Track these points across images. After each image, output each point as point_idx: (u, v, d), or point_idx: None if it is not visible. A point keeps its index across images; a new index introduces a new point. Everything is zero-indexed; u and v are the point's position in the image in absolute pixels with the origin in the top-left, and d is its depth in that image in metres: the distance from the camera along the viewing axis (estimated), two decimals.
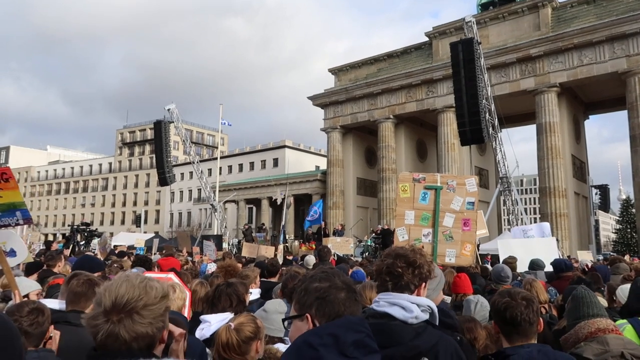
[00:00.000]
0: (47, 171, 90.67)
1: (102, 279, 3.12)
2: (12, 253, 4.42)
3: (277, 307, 3.19)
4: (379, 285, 2.12)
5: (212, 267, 9.15)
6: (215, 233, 34.34)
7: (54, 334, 2.61)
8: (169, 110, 29.50)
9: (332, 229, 26.88)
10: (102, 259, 9.38)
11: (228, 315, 3.28)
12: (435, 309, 2.07)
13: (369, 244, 23.10)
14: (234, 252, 18.52)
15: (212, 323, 3.11)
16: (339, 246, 15.28)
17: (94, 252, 15.42)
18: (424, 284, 2.09)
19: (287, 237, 24.22)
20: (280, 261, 10.49)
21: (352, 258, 14.26)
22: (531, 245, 10.45)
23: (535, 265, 7.07)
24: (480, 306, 3.69)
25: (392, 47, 36.89)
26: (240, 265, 6.96)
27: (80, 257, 4.25)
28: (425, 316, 1.99)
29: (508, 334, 2.33)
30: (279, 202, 26.52)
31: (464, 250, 7.37)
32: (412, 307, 1.97)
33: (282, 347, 2.93)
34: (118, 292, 1.43)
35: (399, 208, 7.20)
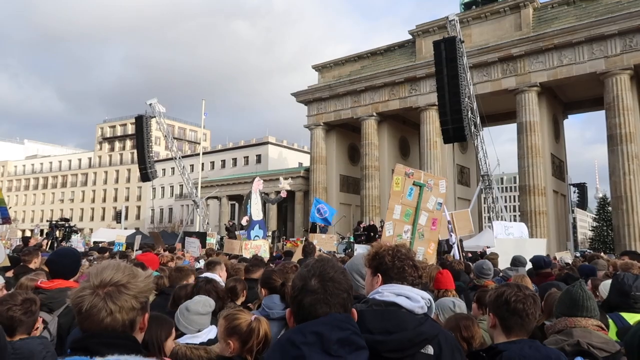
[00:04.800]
0: (24, 166, 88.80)
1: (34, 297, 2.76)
2: None
3: (199, 308, 3.14)
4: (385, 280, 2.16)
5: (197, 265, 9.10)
6: (197, 229, 34.08)
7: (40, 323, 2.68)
8: (150, 105, 29.14)
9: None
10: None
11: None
12: (433, 303, 2.12)
13: (351, 240, 23.16)
14: (217, 249, 18.40)
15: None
16: (324, 242, 15.31)
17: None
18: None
19: (269, 234, 24.15)
20: (267, 257, 10.47)
21: (335, 255, 14.28)
22: (524, 245, 11.07)
23: (517, 262, 7.17)
24: (458, 309, 3.68)
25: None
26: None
27: (57, 253, 4.01)
28: (426, 309, 2.03)
29: (509, 327, 2.32)
30: (285, 192, 26.40)
31: (429, 249, 7.68)
32: (417, 297, 2.01)
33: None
34: (106, 273, 1.50)
35: (390, 201, 7.35)
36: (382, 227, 22.42)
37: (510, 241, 11.64)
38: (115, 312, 1.45)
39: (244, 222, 20.46)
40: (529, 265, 7.57)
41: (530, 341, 2.28)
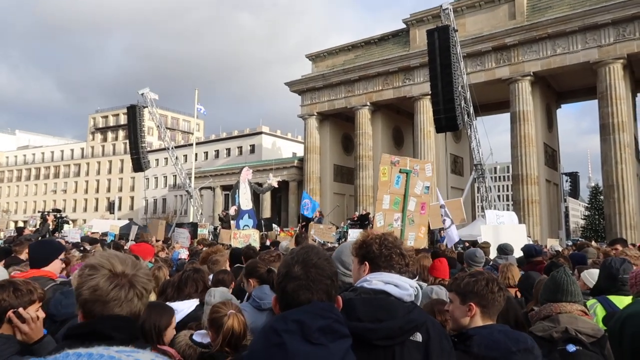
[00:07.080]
0: (16, 156, 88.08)
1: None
2: None
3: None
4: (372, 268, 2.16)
5: (184, 254, 9.12)
6: (190, 220, 34.04)
7: (30, 316, 2.26)
8: (142, 94, 28.92)
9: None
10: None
11: (195, 302, 3.24)
12: (420, 291, 2.14)
13: (345, 230, 23.20)
14: (210, 239, 18.39)
15: (179, 310, 3.08)
16: (322, 232, 14.87)
17: (65, 239, 15.10)
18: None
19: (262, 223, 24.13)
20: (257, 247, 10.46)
21: (329, 244, 14.26)
22: (504, 231, 11.30)
23: (504, 250, 7.21)
24: (435, 296, 3.70)
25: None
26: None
27: (35, 243, 3.96)
28: (413, 297, 2.05)
29: (490, 314, 2.34)
30: (275, 184, 26.37)
31: (419, 233, 7.71)
32: (406, 285, 2.02)
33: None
34: (116, 262, 1.54)
35: (379, 192, 7.38)
36: (368, 216, 22.31)
37: (491, 228, 11.80)
38: (131, 299, 1.52)
39: (232, 211, 20.41)
40: (519, 253, 7.63)
41: (500, 326, 2.32)
